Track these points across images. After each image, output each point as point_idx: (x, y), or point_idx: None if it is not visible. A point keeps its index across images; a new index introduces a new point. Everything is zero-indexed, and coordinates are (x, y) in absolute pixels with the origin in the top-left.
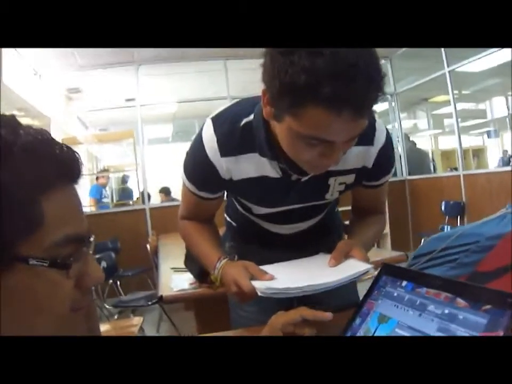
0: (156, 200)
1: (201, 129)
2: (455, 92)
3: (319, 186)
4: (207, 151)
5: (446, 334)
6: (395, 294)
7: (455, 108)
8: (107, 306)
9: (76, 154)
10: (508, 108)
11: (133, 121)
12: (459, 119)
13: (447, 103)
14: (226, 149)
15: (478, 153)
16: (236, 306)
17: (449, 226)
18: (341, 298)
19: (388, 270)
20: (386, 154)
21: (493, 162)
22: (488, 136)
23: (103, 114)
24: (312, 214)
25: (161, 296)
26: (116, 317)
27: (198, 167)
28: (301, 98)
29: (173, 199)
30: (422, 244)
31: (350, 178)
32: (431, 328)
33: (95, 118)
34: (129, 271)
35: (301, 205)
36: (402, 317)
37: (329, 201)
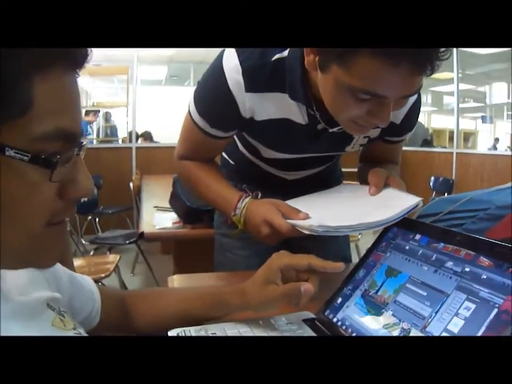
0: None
1: (220, 57)
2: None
3: (343, 138)
4: (229, 83)
5: (466, 294)
6: (407, 247)
7: (458, 88)
8: (84, 242)
9: None
10: (508, 95)
11: (128, 59)
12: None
13: (448, 81)
14: (253, 83)
15: (469, 136)
16: (224, 249)
17: None
18: (333, 252)
19: (399, 222)
20: (415, 111)
21: (482, 148)
22: (483, 121)
23: (98, 49)
24: (323, 163)
25: (143, 232)
26: (91, 253)
27: (215, 101)
28: None
29: (155, 142)
30: (428, 204)
31: (375, 132)
32: (449, 286)
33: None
34: (109, 208)
35: (318, 155)
36: (415, 271)
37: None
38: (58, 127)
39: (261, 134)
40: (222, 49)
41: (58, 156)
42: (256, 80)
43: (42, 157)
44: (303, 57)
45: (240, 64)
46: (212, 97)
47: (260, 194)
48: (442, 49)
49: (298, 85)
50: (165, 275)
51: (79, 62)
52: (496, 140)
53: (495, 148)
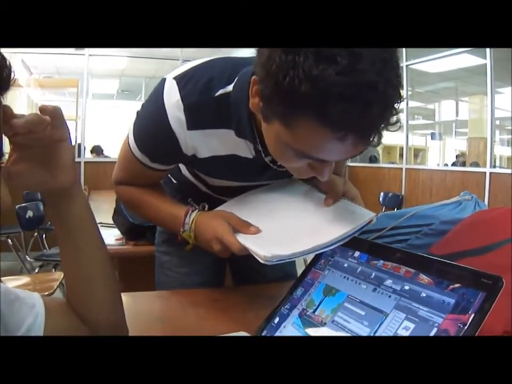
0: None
1: (161, 90)
2: (408, 88)
3: None
4: (171, 121)
5: (405, 313)
6: (345, 265)
7: (407, 105)
8: (29, 259)
9: (6, 60)
10: (456, 112)
11: (79, 72)
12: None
13: None
14: (195, 120)
15: (419, 152)
16: (163, 267)
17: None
18: (277, 268)
19: None
20: None
21: (431, 164)
22: (432, 138)
23: (49, 61)
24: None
25: None
26: (36, 270)
27: (156, 138)
28: (297, 110)
29: (106, 157)
30: None
31: None
32: (387, 305)
33: (41, 63)
34: None
35: (267, 182)
36: (353, 290)
37: None
38: None
39: (205, 168)
40: (164, 78)
41: None
42: (199, 117)
43: None
44: (249, 93)
45: (182, 100)
46: (152, 134)
47: (206, 206)
48: (395, 119)
49: (245, 123)
50: None
51: (2, 87)
52: (458, 156)
53: (462, 164)
